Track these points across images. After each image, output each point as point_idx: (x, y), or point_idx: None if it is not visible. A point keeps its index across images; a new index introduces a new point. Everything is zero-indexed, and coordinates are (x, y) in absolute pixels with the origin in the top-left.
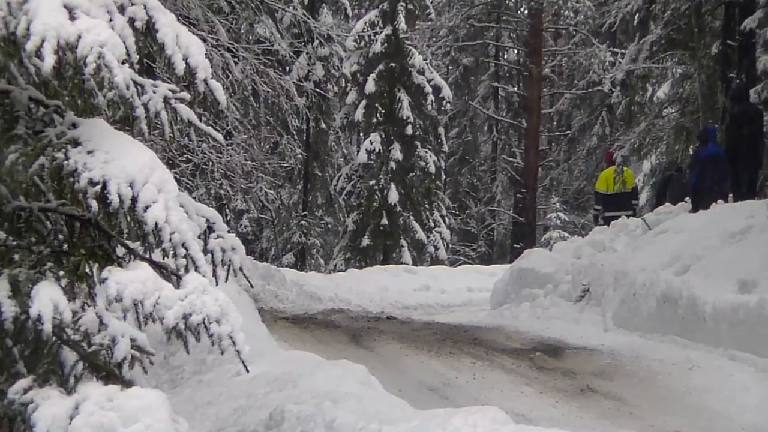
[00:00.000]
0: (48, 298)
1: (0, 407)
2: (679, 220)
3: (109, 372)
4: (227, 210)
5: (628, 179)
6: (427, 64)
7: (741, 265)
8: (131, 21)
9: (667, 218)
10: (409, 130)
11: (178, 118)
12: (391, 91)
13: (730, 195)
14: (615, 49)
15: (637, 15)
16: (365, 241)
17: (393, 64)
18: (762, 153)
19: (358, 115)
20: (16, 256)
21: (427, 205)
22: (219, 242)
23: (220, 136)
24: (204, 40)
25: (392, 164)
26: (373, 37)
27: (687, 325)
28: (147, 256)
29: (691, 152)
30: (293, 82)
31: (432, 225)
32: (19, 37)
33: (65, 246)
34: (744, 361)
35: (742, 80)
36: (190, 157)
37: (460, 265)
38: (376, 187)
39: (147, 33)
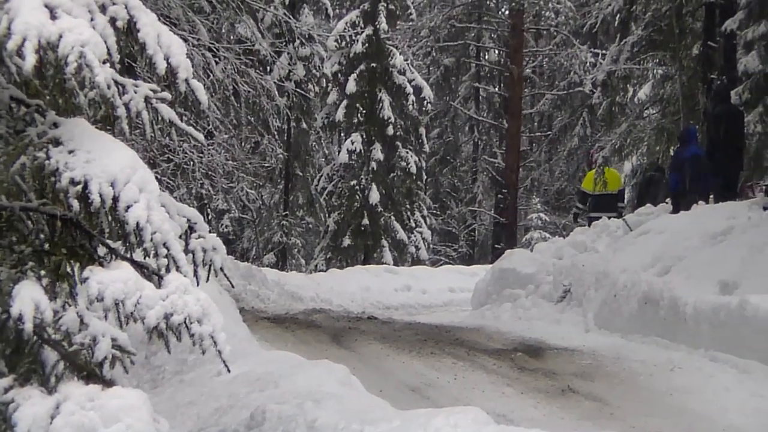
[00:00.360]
0: (29, 298)
1: None
2: (660, 221)
3: (90, 372)
4: (208, 210)
5: (615, 181)
6: (408, 64)
7: (722, 266)
8: (112, 20)
9: (648, 219)
10: (390, 130)
11: (159, 118)
12: (372, 91)
13: (711, 196)
14: (596, 50)
15: (618, 16)
16: (346, 241)
17: (374, 65)
18: (743, 154)
19: (339, 115)
20: None
21: (408, 206)
22: (200, 242)
23: (201, 136)
24: (185, 40)
25: (373, 164)
26: (354, 38)
27: (668, 326)
28: (128, 255)
29: (672, 153)
30: (274, 82)
31: (413, 225)
32: (0, 36)
33: (46, 245)
34: (725, 362)
35: (723, 81)
36: (171, 156)
37: (441, 265)
38: (357, 187)
39: (128, 32)
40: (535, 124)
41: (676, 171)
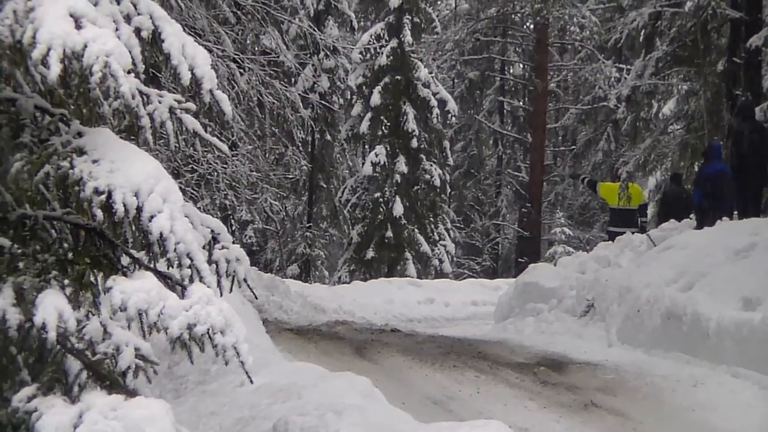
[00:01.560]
0: (52, 307)
1: (4, 415)
2: (683, 236)
3: (113, 381)
4: (232, 220)
5: (636, 196)
6: (432, 77)
7: (745, 282)
8: (137, 30)
9: (671, 235)
10: (414, 143)
11: (184, 128)
12: (397, 103)
13: (735, 212)
14: (620, 65)
15: (643, 31)
16: (370, 254)
17: (398, 77)
18: (767, 170)
19: (364, 127)
20: (21, 264)
21: (431, 218)
22: (223, 253)
23: (225, 147)
24: (210, 51)
25: (397, 177)
26: (378, 50)
27: (691, 342)
28: (152, 265)
29: (696, 169)
30: (299, 94)
31: (437, 238)
32: (26, 46)
33: (70, 254)
34: (747, 378)
35: (747, 97)
36: (195, 167)
37: (464, 278)
38: (381, 199)
39: (153, 43)
40: (560, 138)
41: (701, 187)
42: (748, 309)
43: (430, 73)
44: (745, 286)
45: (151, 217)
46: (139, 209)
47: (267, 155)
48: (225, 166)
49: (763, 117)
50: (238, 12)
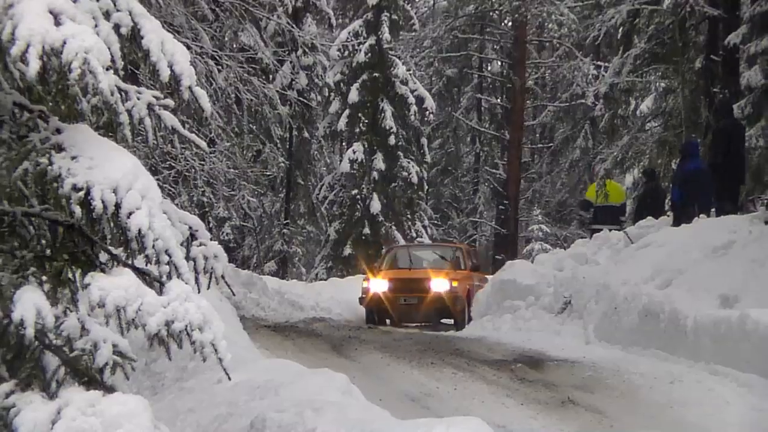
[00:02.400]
0: (31, 303)
1: None
2: (661, 234)
3: (90, 377)
4: (209, 217)
5: (618, 194)
6: (410, 74)
7: (723, 279)
8: (116, 27)
9: (649, 232)
10: (392, 140)
11: (162, 125)
12: (375, 101)
13: (713, 210)
14: (598, 62)
15: (621, 29)
16: (347, 250)
17: (376, 74)
18: (745, 168)
19: (341, 124)
20: None
21: (409, 215)
22: (201, 250)
23: (203, 144)
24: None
25: (375, 174)
26: (356, 47)
27: (669, 339)
28: (130, 262)
29: (673, 166)
30: (277, 91)
31: (414, 235)
32: (4, 42)
33: (48, 251)
34: (725, 375)
35: (725, 95)
36: (172, 163)
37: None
38: (358, 196)
39: (132, 39)
40: (537, 135)
41: (678, 185)
42: (726, 306)
43: (408, 70)
44: (723, 283)
45: (130, 213)
46: (117, 206)
47: (245, 152)
48: (203, 162)
49: (741, 114)
50: (216, 9)
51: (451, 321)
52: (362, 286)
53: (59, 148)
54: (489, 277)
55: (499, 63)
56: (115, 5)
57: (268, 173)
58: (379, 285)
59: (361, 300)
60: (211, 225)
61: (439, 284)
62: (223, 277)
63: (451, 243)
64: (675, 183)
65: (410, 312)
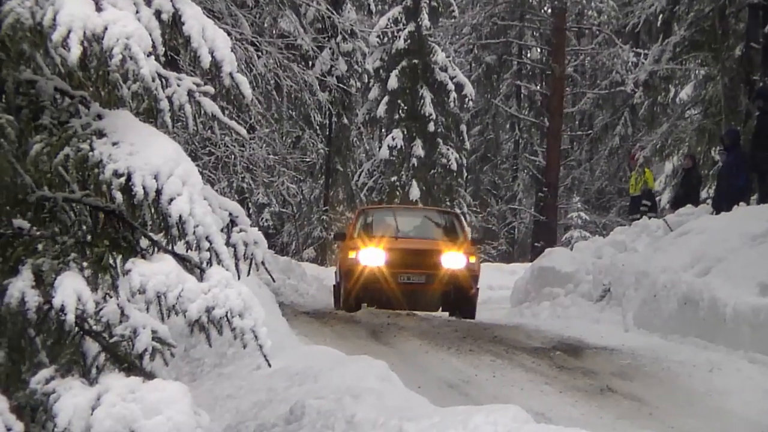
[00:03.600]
0: (71, 289)
1: (22, 396)
2: (700, 221)
3: (130, 363)
4: (249, 203)
5: (634, 181)
6: (449, 61)
7: (762, 267)
8: (157, 13)
9: (688, 220)
10: (431, 126)
11: (202, 112)
12: (414, 87)
13: (754, 197)
14: (638, 50)
15: (661, 16)
16: None
17: (416, 61)
18: None
19: (381, 111)
20: (40, 246)
21: (448, 202)
22: (242, 236)
23: (243, 130)
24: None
25: (414, 161)
26: (396, 34)
27: (708, 327)
28: (170, 248)
29: (712, 154)
30: (316, 77)
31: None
32: (46, 28)
33: (89, 237)
34: (765, 363)
35: (765, 82)
36: (212, 150)
37: (480, 262)
38: (397, 183)
39: (173, 25)
40: (577, 122)
41: (722, 174)
42: (765, 295)
43: (448, 57)
44: (762, 271)
45: (171, 199)
46: (158, 192)
47: (284, 138)
48: (242, 149)
49: None
50: None
51: (494, 306)
52: (342, 258)
53: (100, 134)
54: (528, 264)
55: (539, 50)
56: None
57: (307, 159)
58: (371, 257)
59: (343, 276)
60: (250, 211)
61: (453, 259)
62: (263, 263)
63: (440, 208)
64: (720, 173)
65: (413, 294)
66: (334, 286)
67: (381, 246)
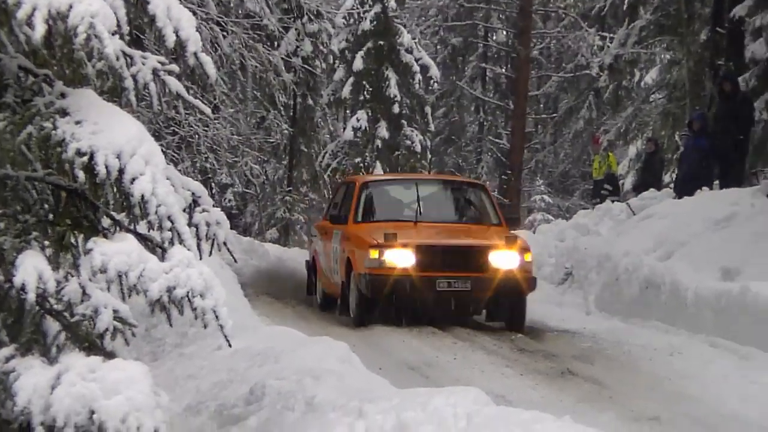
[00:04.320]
0: (32, 267)
1: None
2: (663, 205)
3: (91, 343)
4: (212, 184)
5: (597, 165)
6: (415, 43)
7: (724, 252)
8: None
9: (651, 204)
10: (396, 108)
11: (167, 91)
12: (379, 69)
13: (716, 182)
14: (604, 34)
15: (627, 0)
16: None
17: (381, 42)
18: (749, 141)
19: (346, 92)
20: (1, 225)
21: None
22: (204, 216)
23: (207, 110)
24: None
25: (378, 142)
26: (362, 15)
27: (669, 311)
28: (132, 228)
29: (676, 138)
30: (281, 58)
31: None
32: (10, 5)
33: (51, 216)
34: (725, 348)
35: (730, 67)
36: (176, 129)
37: None
38: (361, 164)
39: (138, 4)
40: (541, 105)
41: (686, 158)
42: (727, 279)
43: (413, 38)
44: (725, 256)
45: (133, 179)
46: (121, 171)
47: (248, 119)
48: (206, 129)
49: (746, 87)
50: None
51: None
52: (351, 254)
53: (64, 113)
54: None
55: (504, 32)
56: None
57: (271, 140)
58: (396, 257)
59: (356, 282)
60: (213, 191)
61: (506, 258)
62: (225, 243)
63: (462, 179)
64: (683, 157)
65: (457, 303)
66: (309, 272)
67: (406, 240)
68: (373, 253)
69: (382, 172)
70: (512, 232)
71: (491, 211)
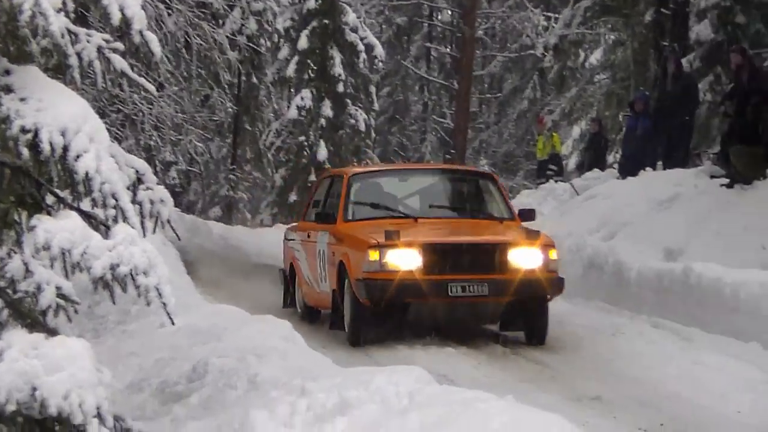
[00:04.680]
0: None
1: None
2: (607, 186)
3: (33, 320)
4: (156, 162)
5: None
6: (360, 22)
7: (667, 232)
8: None
9: (595, 184)
10: (340, 87)
11: (111, 68)
12: (324, 48)
13: (660, 162)
14: (549, 14)
15: None
16: (293, 197)
17: (326, 21)
18: (693, 122)
19: (290, 71)
20: None
21: (355, 163)
22: (148, 194)
23: (152, 88)
24: None
25: (322, 121)
26: None
27: (612, 291)
28: (76, 205)
29: (620, 119)
30: (226, 36)
31: None
32: None
33: None
34: (668, 328)
35: (674, 48)
36: (120, 107)
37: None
38: (305, 143)
39: None
40: (486, 85)
41: (629, 139)
42: (670, 259)
43: (358, 17)
44: (668, 236)
45: (78, 156)
46: (65, 148)
47: (193, 97)
48: (151, 106)
49: (690, 68)
50: None
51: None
52: (345, 257)
53: (8, 90)
54: None
55: (450, 12)
56: None
57: (215, 118)
58: (400, 258)
59: (354, 289)
60: (157, 169)
61: (527, 256)
62: (168, 221)
63: (466, 167)
64: (626, 137)
65: (468, 310)
66: (285, 282)
67: (410, 238)
68: (373, 255)
69: (326, 154)
70: (526, 226)
71: (502, 203)
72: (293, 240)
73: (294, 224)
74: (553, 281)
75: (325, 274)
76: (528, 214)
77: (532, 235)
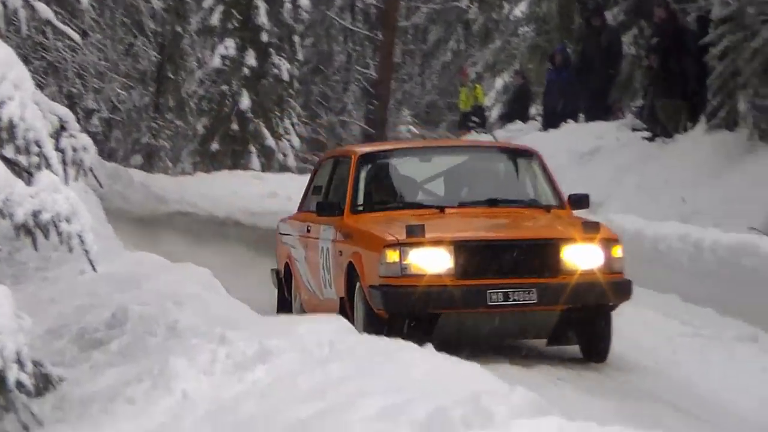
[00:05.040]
0: None
1: None
2: (529, 138)
3: None
4: (78, 109)
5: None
6: None
7: (589, 184)
8: None
9: (518, 136)
10: (264, 37)
11: (36, 16)
12: None
13: (581, 115)
14: None
15: None
16: (214, 146)
17: None
18: (616, 75)
19: (214, 19)
20: None
21: (278, 113)
22: (71, 141)
23: (76, 36)
24: None
25: (245, 70)
26: None
27: None
28: None
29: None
30: None
31: (282, 133)
32: None
33: None
34: None
35: (598, 1)
36: (44, 54)
37: (308, 173)
38: (228, 92)
39: None
40: (410, 36)
41: (550, 92)
42: (591, 212)
43: None
44: (589, 188)
45: (2, 103)
46: None
47: (116, 45)
48: (74, 54)
49: (614, 22)
50: None
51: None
52: (355, 257)
53: None
54: None
55: None
56: None
57: (138, 66)
58: (428, 259)
59: (373, 296)
60: (79, 117)
61: (584, 254)
62: (91, 169)
63: (504, 144)
64: (547, 91)
65: (512, 322)
66: (280, 285)
67: (438, 234)
68: (392, 256)
69: (249, 103)
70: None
71: (548, 187)
72: (289, 235)
73: (290, 216)
74: (618, 285)
75: (330, 278)
76: (580, 201)
77: (591, 228)
